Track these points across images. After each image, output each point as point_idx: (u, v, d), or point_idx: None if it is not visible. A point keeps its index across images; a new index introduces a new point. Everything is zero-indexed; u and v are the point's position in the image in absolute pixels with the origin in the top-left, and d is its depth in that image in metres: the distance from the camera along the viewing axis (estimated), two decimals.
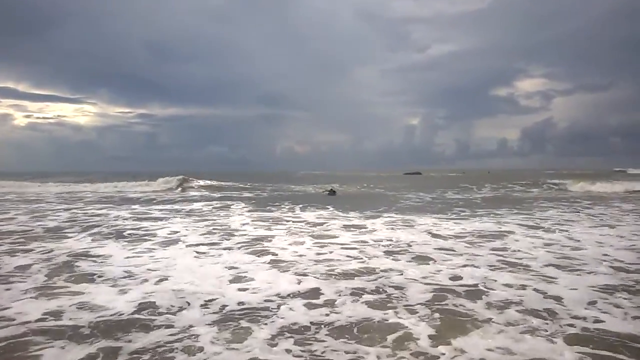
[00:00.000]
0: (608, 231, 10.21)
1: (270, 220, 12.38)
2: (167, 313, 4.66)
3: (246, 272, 6.41)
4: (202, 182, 30.23)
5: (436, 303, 4.97)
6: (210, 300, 5.07)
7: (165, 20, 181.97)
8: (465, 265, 6.77)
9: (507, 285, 5.67)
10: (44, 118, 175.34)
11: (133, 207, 16.92)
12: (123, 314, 4.64)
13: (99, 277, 6.14)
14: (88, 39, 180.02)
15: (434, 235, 9.67)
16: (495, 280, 5.88)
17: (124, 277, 6.11)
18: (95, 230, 10.67)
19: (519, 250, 7.90)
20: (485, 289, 5.47)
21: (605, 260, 7.03)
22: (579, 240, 8.89)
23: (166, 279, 6.00)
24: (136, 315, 4.59)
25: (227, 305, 4.90)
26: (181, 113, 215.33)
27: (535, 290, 5.45)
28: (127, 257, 7.44)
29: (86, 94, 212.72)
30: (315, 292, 5.41)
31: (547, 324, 4.31)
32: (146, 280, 5.93)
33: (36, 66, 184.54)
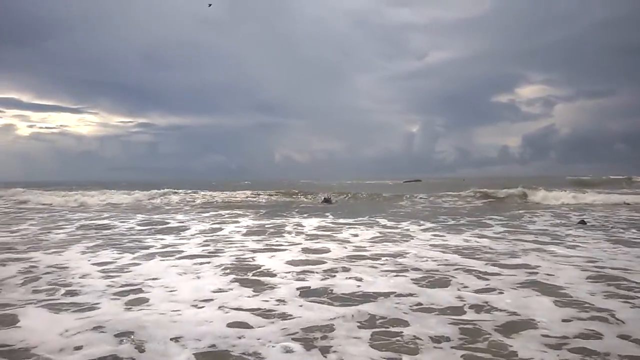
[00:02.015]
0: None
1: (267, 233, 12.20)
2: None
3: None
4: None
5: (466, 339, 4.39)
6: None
7: (163, 29, 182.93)
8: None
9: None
10: (47, 128, 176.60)
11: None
12: None
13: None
14: (89, 48, 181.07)
15: (440, 250, 9.48)
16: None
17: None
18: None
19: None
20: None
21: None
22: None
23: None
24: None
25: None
26: (180, 122, 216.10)
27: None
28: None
29: (88, 104, 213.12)
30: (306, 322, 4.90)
31: None
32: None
33: (39, 76, 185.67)
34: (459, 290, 6.04)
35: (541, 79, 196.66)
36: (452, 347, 4.17)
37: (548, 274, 6.90)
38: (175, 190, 28.60)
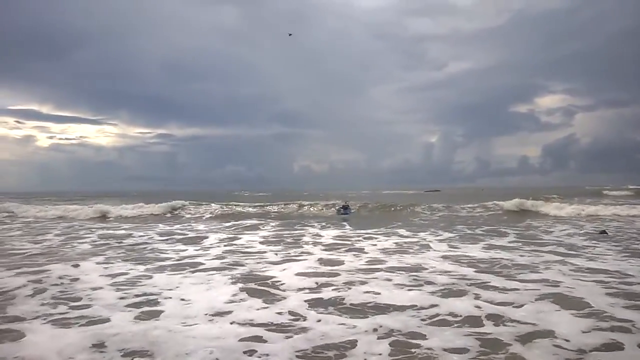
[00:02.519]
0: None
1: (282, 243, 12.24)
2: None
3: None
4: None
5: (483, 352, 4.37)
6: None
7: (182, 40, 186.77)
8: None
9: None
10: (66, 139, 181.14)
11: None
12: None
13: None
14: (108, 60, 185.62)
15: (454, 261, 9.38)
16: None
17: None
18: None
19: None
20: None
21: None
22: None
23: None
24: None
25: None
26: (199, 133, 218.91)
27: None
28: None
29: (107, 115, 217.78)
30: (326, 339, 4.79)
31: None
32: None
33: (59, 88, 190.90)
34: (475, 300, 5.97)
35: (561, 88, 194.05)
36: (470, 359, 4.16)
37: (569, 287, 6.77)
38: (201, 203, 27.71)
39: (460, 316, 5.42)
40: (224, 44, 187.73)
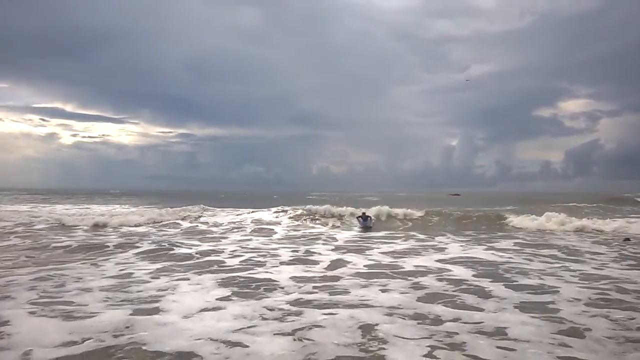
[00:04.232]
0: None
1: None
2: None
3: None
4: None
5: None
6: None
7: (203, 40, 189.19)
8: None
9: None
10: (89, 137, 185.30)
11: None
12: None
13: None
14: (130, 59, 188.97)
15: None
16: None
17: None
18: None
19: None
20: None
21: None
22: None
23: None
24: None
25: None
26: (219, 133, 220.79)
27: None
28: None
29: (129, 114, 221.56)
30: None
31: None
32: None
33: (83, 87, 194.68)
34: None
35: (585, 92, 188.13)
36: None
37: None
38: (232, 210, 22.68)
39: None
40: (244, 44, 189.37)
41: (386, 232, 15.82)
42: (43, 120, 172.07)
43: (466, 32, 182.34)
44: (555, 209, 23.75)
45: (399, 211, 20.73)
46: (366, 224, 18.11)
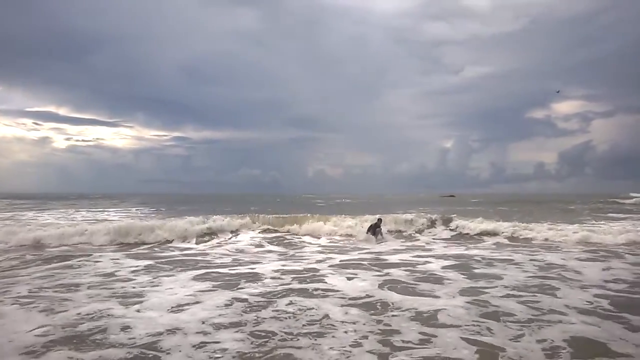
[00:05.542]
0: None
1: None
2: None
3: None
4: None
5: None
6: None
7: (201, 45, 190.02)
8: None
9: None
10: (83, 141, 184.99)
11: None
12: None
13: None
14: (125, 63, 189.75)
15: None
16: None
17: None
18: None
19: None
20: None
21: None
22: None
23: None
24: None
25: None
26: (215, 136, 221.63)
27: None
28: None
29: (123, 118, 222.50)
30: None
31: None
32: None
33: (76, 90, 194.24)
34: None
35: (578, 94, 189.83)
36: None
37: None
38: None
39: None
40: (241, 48, 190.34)
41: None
42: (36, 124, 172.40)
43: (461, 35, 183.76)
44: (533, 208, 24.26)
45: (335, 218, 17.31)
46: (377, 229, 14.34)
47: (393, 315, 5.63)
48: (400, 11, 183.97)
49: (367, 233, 14.33)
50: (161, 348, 4.50)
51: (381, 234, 14.36)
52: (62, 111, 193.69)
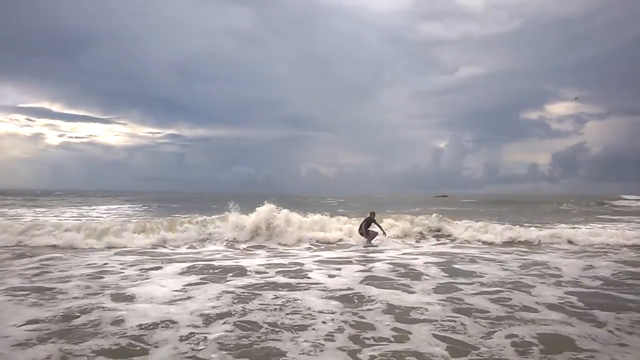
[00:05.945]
0: None
1: None
2: None
3: None
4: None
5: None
6: None
7: (195, 43, 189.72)
8: None
9: None
10: (76, 137, 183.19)
11: None
12: None
13: None
14: (119, 60, 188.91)
15: None
16: None
17: None
18: None
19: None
20: None
21: None
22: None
23: None
24: None
25: None
26: (208, 134, 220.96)
27: None
28: None
29: (117, 115, 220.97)
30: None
31: None
32: None
33: (69, 87, 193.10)
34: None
35: (572, 96, 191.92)
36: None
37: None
38: None
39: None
40: (234, 46, 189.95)
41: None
42: (29, 120, 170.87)
43: (455, 35, 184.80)
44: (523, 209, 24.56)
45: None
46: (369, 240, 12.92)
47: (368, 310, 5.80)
48: (395, 11, 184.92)
49: (359, 230, 13.19)
50: (150, 340, 4.68)
51: (381, 230, 13.19)
52: (56, 107, 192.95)
